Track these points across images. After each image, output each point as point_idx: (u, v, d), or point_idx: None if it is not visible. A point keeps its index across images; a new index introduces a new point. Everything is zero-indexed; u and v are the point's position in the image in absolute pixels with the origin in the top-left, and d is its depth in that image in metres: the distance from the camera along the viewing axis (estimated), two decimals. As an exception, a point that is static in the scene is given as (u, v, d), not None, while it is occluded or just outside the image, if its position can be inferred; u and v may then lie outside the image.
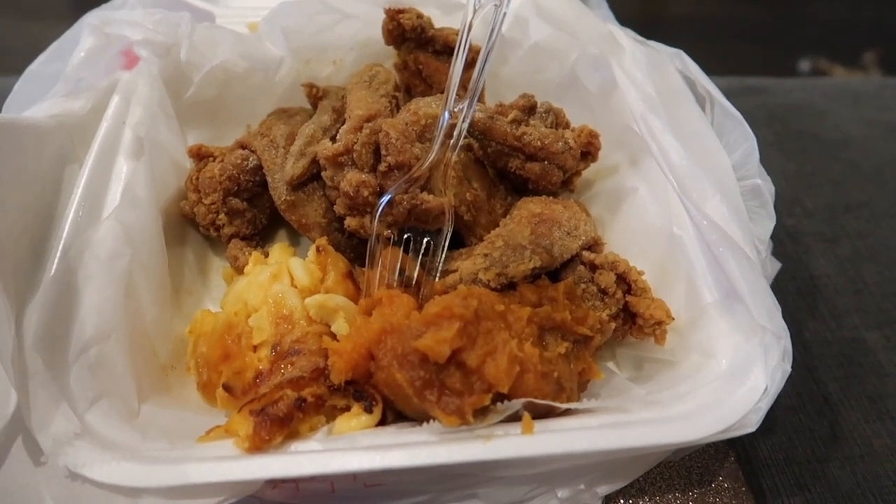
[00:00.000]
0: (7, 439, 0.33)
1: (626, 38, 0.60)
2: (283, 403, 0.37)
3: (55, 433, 0.34)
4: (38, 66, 0.52)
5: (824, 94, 0.89)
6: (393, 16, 0.57)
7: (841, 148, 0.79)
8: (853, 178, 0.75)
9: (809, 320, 0.59)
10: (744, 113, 0.92)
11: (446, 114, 0.44)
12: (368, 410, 0.39)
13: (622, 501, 0.44)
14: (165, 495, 0.34)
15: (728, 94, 0.95)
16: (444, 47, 0.58)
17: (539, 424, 0.37)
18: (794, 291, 0.62)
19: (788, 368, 0.39)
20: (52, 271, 0.40)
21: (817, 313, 0.60)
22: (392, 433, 0.38)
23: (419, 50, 0.58)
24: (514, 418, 0.38)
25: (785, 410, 0.53)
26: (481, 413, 0.37)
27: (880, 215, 0.70)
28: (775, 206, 0.75)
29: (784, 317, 0.61)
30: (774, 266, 0.51)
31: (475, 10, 0.41)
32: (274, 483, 0.36)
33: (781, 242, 0.67)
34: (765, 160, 0.83)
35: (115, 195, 0.46)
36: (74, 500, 0.33)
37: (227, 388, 0.41)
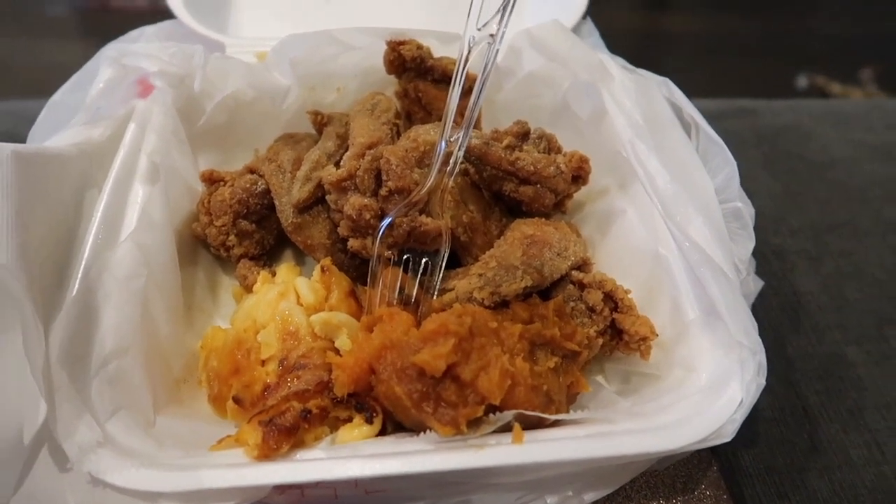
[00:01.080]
0: (36, 447, 0.36)
1: (616, 67, 0.63)
2: (290, 414, 0.40)
3: (79, 442, 0.37)
4: (61, 96, 0.55)
5: (812, 115, 0.92)
6: (394, 47, 0.60)
7: (826, 168, 0.82)
8: (837, 198, 0.78)
9: (792, 335, 0.62)
10: (733, 134, 0.95)
11: (443, 143, 0.47)
12: (369, 421, 0.42)
13: (608, 509, 0.47)
14: (181, 500, 0.36)
15: (719, 116, 0.98)
16: (442, 76, 0.61)
17: (528, 434, 0.40)
18: (777, 308, 0.65)
19: (763, 382, 0.42)
20: (75, 291, 0.43)
21: (800, 329, 0.63)
22: (391, 442, 0.40)
23: (419, 79, 0.61)
24: (506, 429, 0.40)
25: (767, 422, 0.55)
26: (475, 424, 0.40)
27: (862, 234, 0.72)
28: (762, 226, 0.78)
29: (767, 332, 0.64)
30: (757, 284, 0.53)
31: (470, 48, 0.44)
32: (281, 489, 0.39)
33: (767, 260, 0.70)
34: (752, 181, 0.87)
35: (133, 218, 0.49)
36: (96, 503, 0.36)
37: (237, 400, 0.44)
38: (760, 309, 0.61)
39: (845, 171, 0.81)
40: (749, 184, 0.84)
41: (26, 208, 0.39)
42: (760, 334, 0.54)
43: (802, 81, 2.52)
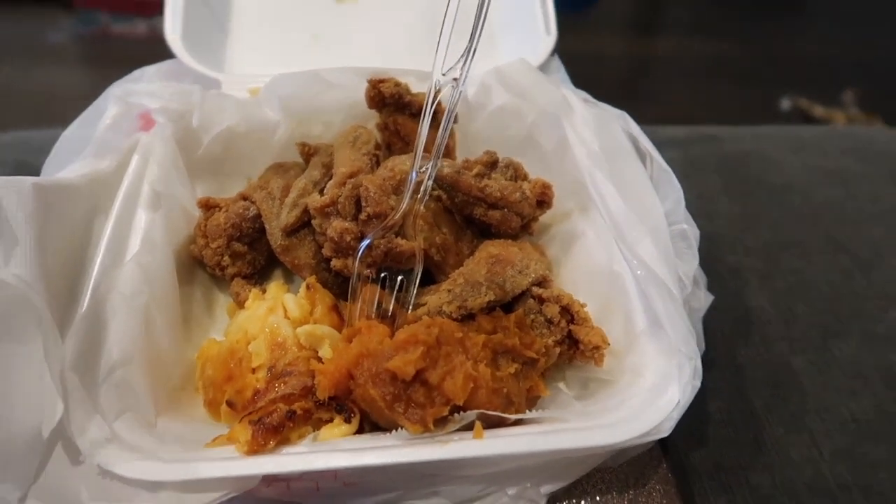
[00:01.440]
0: (52, 442, 0.41)
1: (578, 101, 0.69)
2: (277, 415, 0.45)
3: (90, 438, 0.41)
4: (72, 131, 0.61)
5: (772, 142, 0.99)
6: (374, 84, 0.66)
7: (783, 192, 0.88)
8: (791, 219, 0.84)
9: (743, 346, 0.67)
10: (698, 159, 1.02)
11: (414, 173, 0.53)
12: (348, 421, 0.46)
13: (565, 502, 0.51)
14: (179, 489, 0.41)
15: (685, 142, 1.05)
16: (418, 110, 0.67)
17: (488, 432, 0.45)
18: (731, 321, 0.70)
19: (698, 384, 0.47)
20: (85, 307, 0.48)
21: (750, 340, 0.68)
22: (367, 439, 0.45)
23: (397, 113, 0.67)
24: (470, 427, 0.45)
25: (716, 424, 0.60)
26: (441, 422, 0.45)
27: (812, 253, 0.78)
28: (719, 246, 0.84)
29: (720, 343, 0.69)
30: (708, 298, 0.58)
31: (436, 90, 0.50)
32: (268, 481, 0.44)
33: (723, 278, 0.75)
34: (713, 203, 0.92)
35: (136, 241, 0.54)
36: (105, 492, 0.40)
37: (229, 404, 0.49)
38: (715, 322, 0.66)
39: (800, 194, 0.87)
40: (710, 206, 0.90)
41: (44, 233, 0.45)
42: (714, 346, 0.60)
43: (786, 104, 2.59)
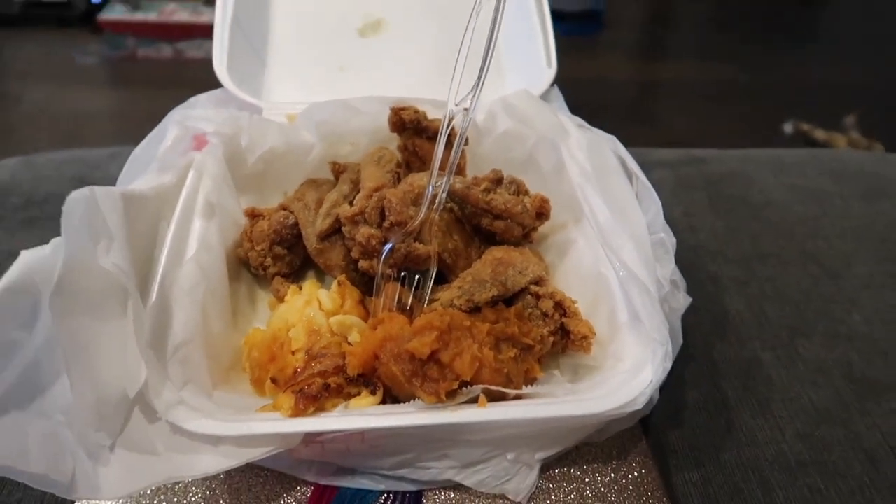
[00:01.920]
0: (135, 402, 0.50)
1: (573, 126, 0.79)
2: (315, 386, 0.54)
3: (164, 401, 0.50)
4: (139, 151, 0.71)
5: (756, 163, 1.08)
6: (396, 111, 0.76)
7: (762, 209, 0.97)
8: (769, 233, 0.92)
9: (719, 344, 0.75)
10: (685, 178, 1.11)
11: (430, 187, 0.62)
12: (373, 393, 0.55)
13: (557, 469, 0.60)
14: (236, 443, 0.50)
15: (675, 163, 1.14)
16: (434, 134, 0.77)
17: (490, 403, 0.54)
18: (709, 322, 0.78)
19: (669, 366, 0.55)
20: (153, 297, 0.57)
21: (726, 339, 0.76)
22: (389, 407, 0.54)
23: (416, 136, 0.77)
24: (475, 400, 0.54)
25: (692, 411, 0.68)
26: (451, 395, 0.54)
27: (786, 263, 0.86)
28: (702, 256, 0.93)
29: (699, 342, 0.78)
30: (686, 300, 0.66)
31: (450, 119, 0.60)
32: (307, 441, 0.53)
33: (704, 285, 0.84)
34: (699, 218, 1.02)
35: (193, 244, 0.63)
36: (176, 444, 0.50)
37: (273, 380, 0.58)
38: (694, 324, 0.75)
39: (778, 211, 0.96)
40: (695, 221, 0.99)
41: (130, 234, 0.54)
42: (693, 343, 0.68)
43: (788, 128, 2.67)
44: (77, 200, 0.48)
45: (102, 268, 0.49)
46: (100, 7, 2.92)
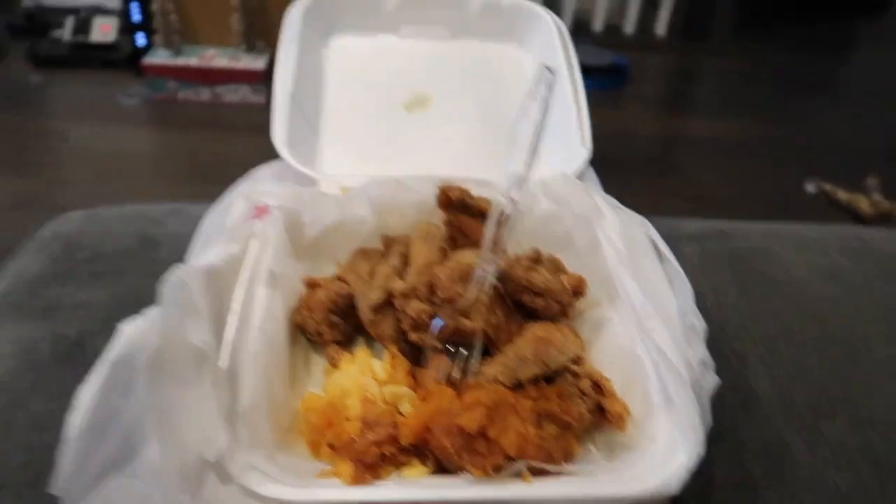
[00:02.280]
0: (211, 465, 0.55)
1: (608, 207, 0.84)
2: (373, 455, 0.58)
3: (238, 464, 0.55)
4: (208, 221, 0.77)
5: (778, 239, 1.12)
6: (443, 190, 0.82)
7: (784, 286, 1.01)
8: (791, 311, 0.96)
9: (744, 424, 0.79)
10: (711, 253, 1.16)
11: (480, 270, 0.68)
12: (425, 464, 0.60)
13: (593, 541, 0.63)
14: (304, 508, 0.54)
15: (700, 237, 1.19)
16: (478, 212, 0.82)
17: (534, 479, 0.58)
18: (736, 402, 0.81)
19: (703, 452, 0.59)
20: (226, 364, 0.63)
21: (752, 420, 0.79)
22: (442, 479, 0.58)
23: (461, 213, 0.83)
24: (517, 475, 0.58)
25: (719, 489, 0.72)
26: (497, 469, 0.58)
27: (808, 342, 0.90)
28: (727, 334, 0.96)
29: (725, 420, 0.81)
30: (715, 381, 0.70)
31: (501, 211, 0.66)
32: (366, 507, 0.57)
33: (730, 363, 0.87)
34: (724, 295, 1.06)
35: (259, 312, 0.69)
36: (246, 507, 0.54)
37: (331, 446, 0.62)
38: (721, 402, 0.79)
39: (799, 289, 1.00)
40: (721, 298, 1.04)
41: (210, 306, 0.60)
42: (720, 422, 0.71)
43: (811, 187, 2.70)
44: (172, 284, 0.54)
45: (190, 342, 0.54)
46: (144, 51, 3.06)
